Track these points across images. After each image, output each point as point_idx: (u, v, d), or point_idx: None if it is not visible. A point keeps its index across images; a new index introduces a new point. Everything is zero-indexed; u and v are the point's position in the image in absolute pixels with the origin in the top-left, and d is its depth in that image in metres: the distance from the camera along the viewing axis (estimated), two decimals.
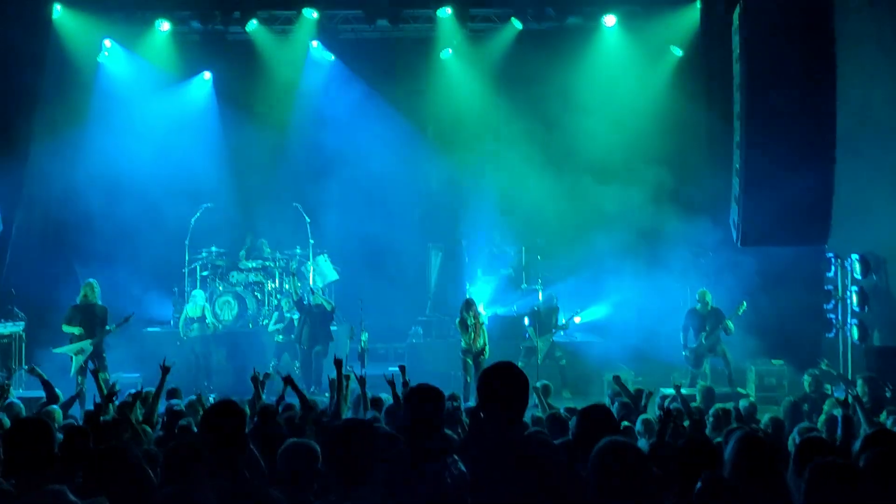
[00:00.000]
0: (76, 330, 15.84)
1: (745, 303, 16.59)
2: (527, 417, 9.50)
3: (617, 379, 11.01)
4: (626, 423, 9.30)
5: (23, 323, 18.24)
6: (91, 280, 16.46)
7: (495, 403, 4.78)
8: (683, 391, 10.97)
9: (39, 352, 17.09)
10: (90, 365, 15.37)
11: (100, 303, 16.26)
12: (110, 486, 5.22)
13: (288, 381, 9.22)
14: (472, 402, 11.11)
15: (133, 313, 16.50)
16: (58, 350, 15.88)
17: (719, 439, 7.76)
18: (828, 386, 13.82)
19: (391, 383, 9.72)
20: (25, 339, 18.21)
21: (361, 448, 4.51)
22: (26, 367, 11.46)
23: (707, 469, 5.40)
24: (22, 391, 15.15)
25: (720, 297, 17.39)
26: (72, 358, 15.74)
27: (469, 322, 16.45)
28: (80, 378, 15.50)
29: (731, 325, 16.50)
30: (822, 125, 14.91)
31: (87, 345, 15.79)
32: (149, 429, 8.90)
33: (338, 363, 9.10)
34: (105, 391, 9.22)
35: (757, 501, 5.27)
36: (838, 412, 9.41)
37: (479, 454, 4.78)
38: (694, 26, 19.38)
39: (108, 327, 15.88)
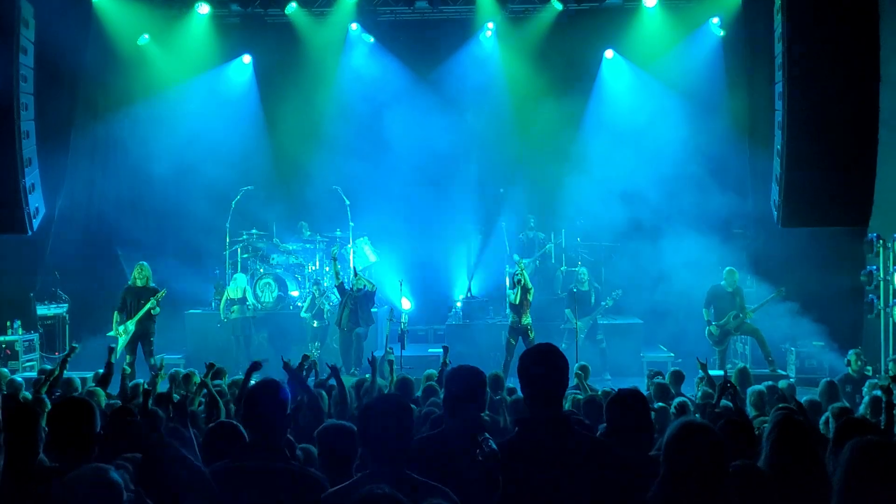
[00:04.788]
0: (115, 329, 16.10)
1: (783, 289, 16.49)
2: (568, 401, 9.55)
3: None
4: (660, 404, 9.30)
5: (66, 305, 18.51)
6: (141, 262, 16.60)
7: (534, 385, 4.79)
8: (711, 372, 10.89)
9: (83, 333, 17.31)
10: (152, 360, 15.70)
11: (151, 284, 16.40)
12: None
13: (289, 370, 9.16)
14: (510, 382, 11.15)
15: (164, 289, 16.55)
16: (110, 333, 16.10)
17: (764, 421, 7.74)
18: (869, 368, 13.73)
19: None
20: (69, 321, 18.48)
21: (396, 423, 4.54)
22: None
23: (741, 451, 5.38)
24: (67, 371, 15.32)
25: (761, 278, 17.33)
26: (117, 339, 15.98)
27: (519, 295, 16.57)
28: (128, 357, 15.67)
29: (752, 314, 16.43)
30: (864, 105, 14.78)
31: (130, 325, 15.98)
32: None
33: (371, 361, 9.29)
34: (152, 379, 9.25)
35: (795, 485, 5.24)
36: (880, 392, 9.34)
37: (516, 435, 4.80)
38: (735, 6, 19.21)
39: (147, 307, 16.01)
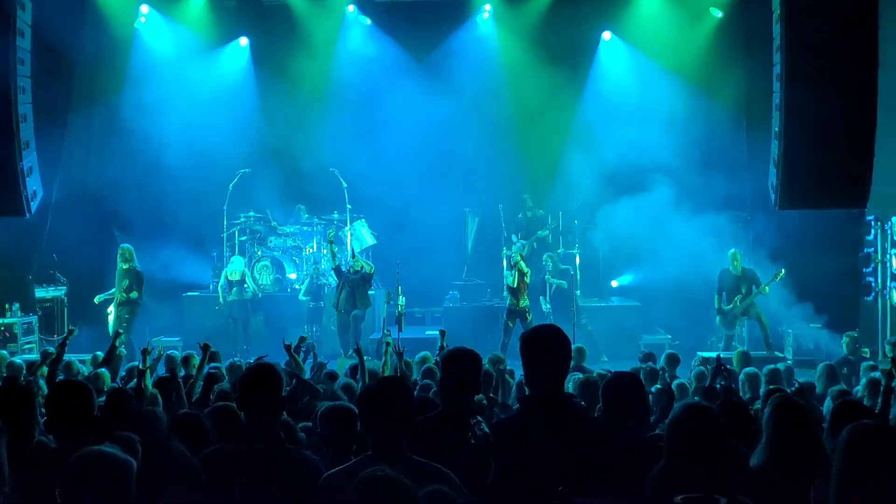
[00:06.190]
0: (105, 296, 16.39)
1: (783, 270, 16.47)
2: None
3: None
4: (657, 386, 9.33)
5: (65, 287, 18.53)
6: (123, 245, 16.72)
7: (534, 366, 4.79)
8: (721, 354, 10.93)
9: (81, 315, 17.34)
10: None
11: (134, 267, 16.52)
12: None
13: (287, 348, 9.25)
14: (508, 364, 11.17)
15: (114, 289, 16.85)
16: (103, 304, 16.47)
17: (758, 404, 7.77)
18: (865, 349, 13.74)
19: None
20: (67, 303, 18.50)
21: (396, 405, 4.56)
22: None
23: (737, 433, 5.40)
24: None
25: (758, 261, 17.31)
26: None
27: (516, 278, 16.62)
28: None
29: (767, 289, 16.39)
30: (862, 87, 14.75)
31: (114, 306, 16.21)
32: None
33: (358, 351, 9.32)
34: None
35: (794, 467, 5.25)
36: (878, 375, 9.35)
37: (514, 415, 4.81)
38: None
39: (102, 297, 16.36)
